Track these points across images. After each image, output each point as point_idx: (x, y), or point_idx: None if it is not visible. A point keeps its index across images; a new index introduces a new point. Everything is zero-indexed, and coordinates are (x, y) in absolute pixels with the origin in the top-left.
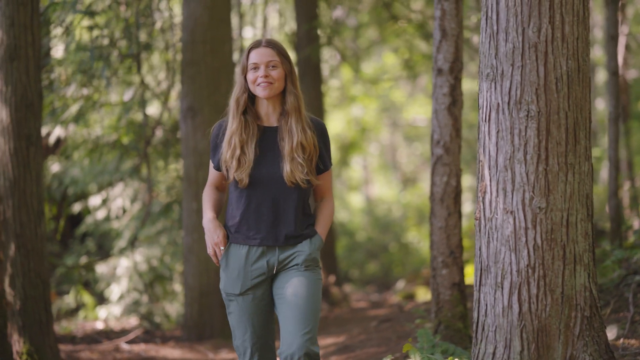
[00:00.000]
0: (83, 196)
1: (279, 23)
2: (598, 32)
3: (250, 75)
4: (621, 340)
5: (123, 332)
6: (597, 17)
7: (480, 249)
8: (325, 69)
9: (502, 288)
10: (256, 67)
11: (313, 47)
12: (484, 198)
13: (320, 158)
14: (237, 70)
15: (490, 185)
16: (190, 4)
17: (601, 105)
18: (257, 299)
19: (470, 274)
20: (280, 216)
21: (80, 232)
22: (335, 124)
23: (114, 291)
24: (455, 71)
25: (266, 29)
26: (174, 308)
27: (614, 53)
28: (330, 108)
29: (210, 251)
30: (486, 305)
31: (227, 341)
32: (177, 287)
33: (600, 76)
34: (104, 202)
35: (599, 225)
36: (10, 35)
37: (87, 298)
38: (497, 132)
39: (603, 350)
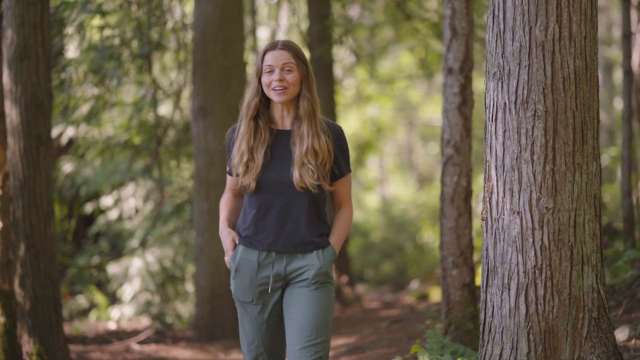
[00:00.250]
0: (95, 196)
1: (292, 23)
2: (617, 31)
3: (265, 79)
4: (633, 341)
5: (134, 333)
6: (615, 15)
7: (487, 250)
8: (340, 69)
9: (509, 289)
10: (271, 70)
11: (325, 46)
12: (490, 198)
13: (335, 163)
14: (253, 72)
15: (497, 186)
16: (201, 3)
17: (619, 105)
18: (266, 312)
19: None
20: (289, 222)
21: (93, 233)
22: (350, 124)
23: (126, 291)
24: (466, 70)
25: (279, 28)
26: (186, 308)
27: (628, 52)
28: (344, 108)
29: (226, 258)
30: (493, 306)
31: (237, 342)
32: (190, 287)
33: (618, 75)
34: (116, 202)
35: (615, 225)
36: (20, 35)
37: (100, 298)
38: (504, 131)
39: (611, 352)
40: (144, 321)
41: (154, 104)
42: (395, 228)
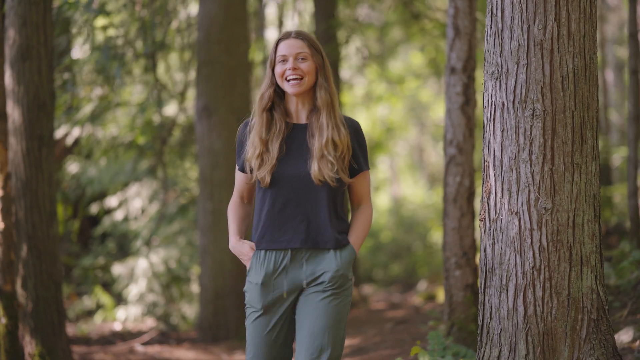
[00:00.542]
0: (101, 197)
1: (299, 22)
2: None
3: (278, 68)
4: (637, 342)
5: (139, 334)
6: (627, 14)
7: (485, 251)
8: (349, 69)
9: (507, 290)
10: (284, 60)
11: (331, 46)
12: (488, 199)
13: (354, 158)
14: (267, 63)
15: (495, 186)
16: (205, 3)
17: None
18: (277, 323)
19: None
20: (307, 216)
21: (99, 233)
22: (360, 124)
23: (132, 292)
24: (469, 70)
25: (284, 28)
26: (192, 310)
27: (635, 51)
28: (352, 108)
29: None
30: (491, 307)
31: (242, 343)
32: (195, 288)
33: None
34: (121, 204)
35: (624, 226)
36: (22, 35)
37: (106, 299)
38: (502, 131)
39: (610, 354)
40: (150, 322)
41: (159, 104)
42: (404, 228)
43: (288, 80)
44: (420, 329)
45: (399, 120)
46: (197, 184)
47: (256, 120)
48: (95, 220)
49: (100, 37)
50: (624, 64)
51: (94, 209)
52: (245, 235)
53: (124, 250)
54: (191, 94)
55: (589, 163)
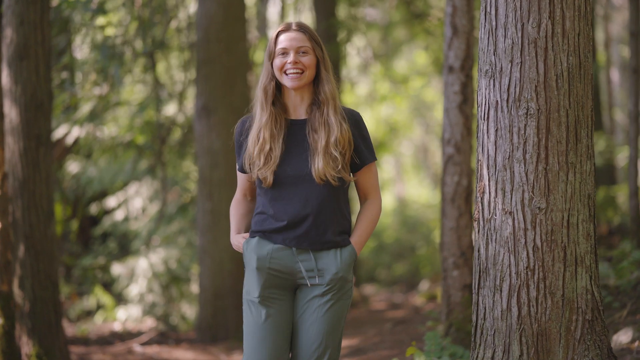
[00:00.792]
0: (102, 196)
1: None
2: None
3: (278, 62)
4: (636, 343)
5: (138, 334)
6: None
7: (478, 251)
8: (353, 68)
9: (500, 291)
10: (285, 53)
11: (331, 45)
12: (482, 198)
13: (356, 152)
14: (265, 56)
15: (489, 185)
16: (205, 2)
17: None
18: (276, 317)
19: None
20: (307, 217)
21: (99, 233)
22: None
23: (132, 292)
24: (467, 68)
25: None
26: (192, 310)
27: (636, 50)
28: (354, 107)
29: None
30: (485, 308)
31: (240, 343)
32: (195, 288)
33: None
34: (120, 204)
35: (626, 226)
36: (20, 34)
37: (106, 299)
38: (496, 130)
39: (605, 355)
40: (150, 322)
41: (158, 103)
42: (408, 228)
43: (287, 74)
44: (420, 329)
45: (403, 120)
46: (196, 184)
47: (262, 114)
48: (96, 220)
49: (99, 36)
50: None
51: (94, 208)
52: (246, 231)
53: (125, 250)
54: (191, 93)
55: (584, 162)
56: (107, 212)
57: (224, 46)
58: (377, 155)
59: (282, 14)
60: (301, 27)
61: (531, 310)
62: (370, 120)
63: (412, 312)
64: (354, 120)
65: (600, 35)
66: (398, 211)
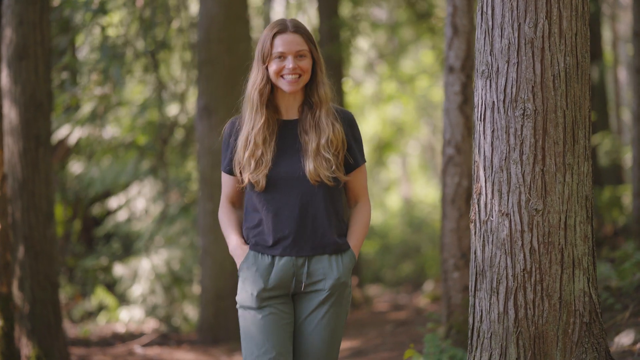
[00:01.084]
0: (105, 197)
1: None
2: None
3: (275, 66)
4: (638, 345)
5: (140, 336)
6: None
7: (475, 253)
8: (359, 68)
9: (497, 293)
10: (282, 57)
11: (334, 45)
12: (479, 200)
13: (349, 152)
14: (256, 55)
15: (486, 187)
16: (206, 2)
17: None
18: (277, 315)
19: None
20: (305, 221)
21: (101, 234)
22: (370, 124)
23: (135, 293)
24: (467, 69)
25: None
26: (195, 311)
27: (639, 50)
28: (359, 107)
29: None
30: (481, 311)
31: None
32: (198, 289)
33: None
34: (122, 205)
35: (631, 227)
36: (19, 34)
37: (109, 300)
38: (493, 131)
39: (603, 358)
40: (152, 323)
41: (160, 104)
42: (414, 229)
43: (284, 78)
44: (421, 331)
45: (410, 120)
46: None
47: (255, 118)
48: (100, 220)
49: (100, 36)
50: None
51: (96, 209)
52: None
53: (128, 251)
54: (193, 94)
55: (581, 163)
56: (110, 212)
57: (225, 46)
58: (384, 156)
59: (287, 14)
60: (298, 28)
61: (528, 313)
62: (376, 120)
63: (415, 314)
64: (348, 121)
65: (607, 35)
66: (404, 211)
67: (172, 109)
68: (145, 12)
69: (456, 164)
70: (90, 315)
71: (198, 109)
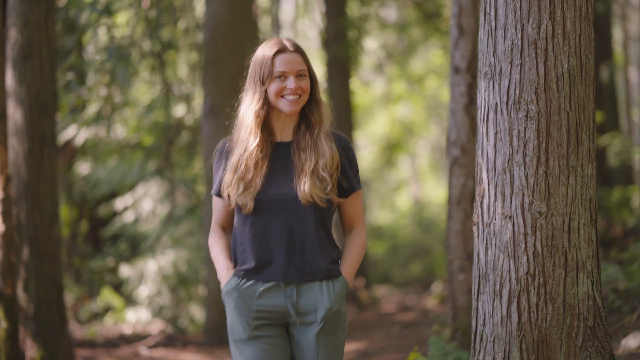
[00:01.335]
0: (111, 198)
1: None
2: None
3: (275, 86)
4: None
5: (146, 337)
6: None
7: (478, 256)
8: (368, 69)
9: (500, 296)
10: (284, 77)
11: (341, 45)
12: (482, 202)
13: (343, 176)
14: (252, 76)
15: (489, 189)
16: (212, 2)
17: None
18: (270, 346)
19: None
20: (294, 245)
21: (108, 235)
22: (379, 124)
23: (141, 294)
24: (473, 69)
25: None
26: (201, 312)
27: None
28: (366, 109)
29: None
30: (484, 314)
31: None
32: (204, 290)
33: None
34: (129, 206)
35: None
36: (24, 35)
37: (117, 301)
38: (496, 133)
39: None
40: (159, 325)
41: (166, 104)
42: (423, 229)
43: (285, 98)
44: (427, 333)
45: (420, 120)
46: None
47: (250, 140)
48: (107, 221)
49: (106, 37)
50: None
51: (103, 210)
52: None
53: (136, 252)
54: (199, 94)
55: (585, 166)
56: (117, 213)
57: (231, 46)
58: (393, 156)
59: (294, 14)
60: (297, 48)
61: (531, 316)
62: (386, 121)
63: (422, 315)
64: (343, 144)
65: (618, 34)
66: (413, 212)
67: (179, 110)
68: (152, 13)
69: (462, 165)
70: (97, 316)
71: (204, 109)
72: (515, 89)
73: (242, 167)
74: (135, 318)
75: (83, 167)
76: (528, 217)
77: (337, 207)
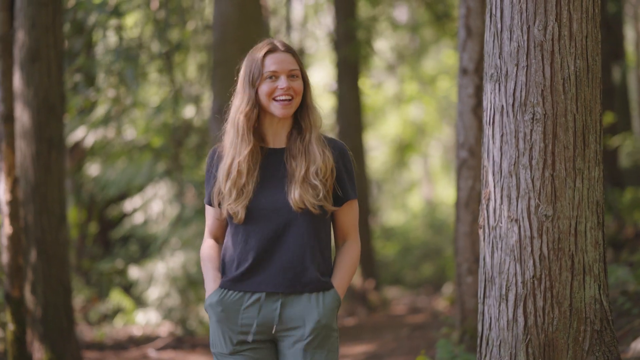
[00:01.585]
0: (120, 199)
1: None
2: None
3: (266, 87)
4: None
5: (155, 339)
6: None
7: (484, 259)
8: (379, 70)
9: (506, 300)
10: (275, 77)
11: (351, 46)
12: (487, 205)
13: (338, 183)
14: (242, 78)
15: (494, 192)
16: (220, 3)
17: None
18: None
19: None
20: (285, 254)
21: (117, 236)
22: (390, 125)
23: (151, 296)
24: (481, 71)
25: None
26: None
27: None
28: (377, 110)
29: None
30: (490, 318)
31: None
32: None
33: None
34: (138, 208)
35: None
36: (32, 37)
37: (127, 302)
38: (501, 135)
39: None
40: (168, 326)
41: (175, 106)
42: (434, 230)
43: (277, 100)
44: (436, 335)
45: (431, 121)
46: None
47: (241, 146)
48: (116, 223)
49: (114, 38)
50: None
51: (112, 211)
52: None
53: (146, 253)
54: (208, 96)
55: (592, 168)
56: (126, 215)
57: (239, 46)
58: (405, 157)
59: (304, 15)
60: (289, 48)
61: (538, 320)
62: (397, 121)
63: (432, 317)
64: (340, 151)
65: (630, 35)
66: (425, 213)
67: (188, 111)
68: (160, 14)
69: (470, 167)
70: (107, 317)
71: (213, 110)
72: (521, 91)
73: (234, 173)
74: (145, 320)
75: (92, 169)
76: (534, 220)
77: (331, 217)
